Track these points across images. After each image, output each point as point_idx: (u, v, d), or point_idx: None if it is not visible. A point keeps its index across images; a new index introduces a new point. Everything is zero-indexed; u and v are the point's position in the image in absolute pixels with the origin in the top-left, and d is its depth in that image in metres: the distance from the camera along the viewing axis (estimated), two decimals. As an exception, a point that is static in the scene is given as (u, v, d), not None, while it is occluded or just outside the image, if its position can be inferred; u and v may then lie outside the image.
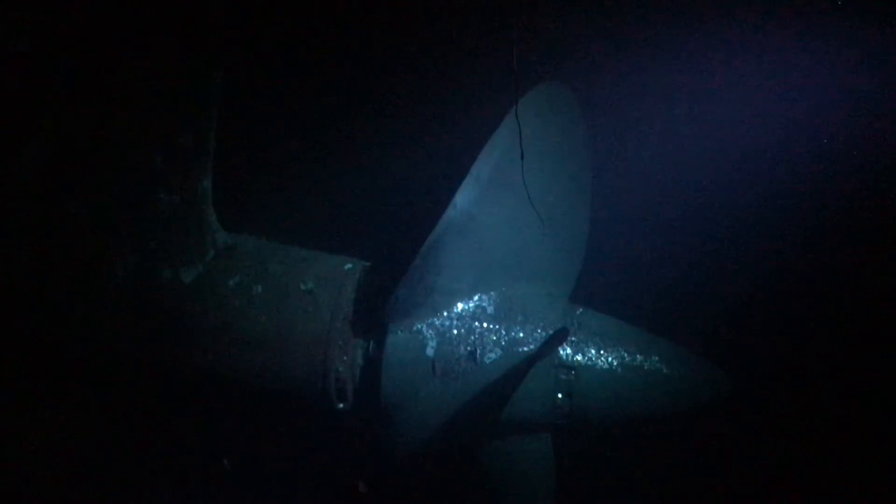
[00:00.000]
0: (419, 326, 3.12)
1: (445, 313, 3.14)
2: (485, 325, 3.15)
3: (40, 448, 3.49)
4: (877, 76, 3.89)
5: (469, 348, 3.11)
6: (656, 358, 3.17)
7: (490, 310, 3.18)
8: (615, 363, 3.14)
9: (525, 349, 3.11)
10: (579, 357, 3.14)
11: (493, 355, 3.10)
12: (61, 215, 3.20)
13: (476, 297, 3.18)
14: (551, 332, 3.09)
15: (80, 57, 3.15)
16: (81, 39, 3.13)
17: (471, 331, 3.13)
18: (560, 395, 3.12)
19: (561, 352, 3.12)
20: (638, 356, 3.16)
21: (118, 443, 3.56)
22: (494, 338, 3.13)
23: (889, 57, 3.86)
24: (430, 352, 3.10)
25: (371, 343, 3.17)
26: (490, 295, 3.20)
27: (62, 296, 3.25)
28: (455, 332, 3.13)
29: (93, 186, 3.21)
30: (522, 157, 2.92)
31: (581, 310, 3.28)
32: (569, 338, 3.11)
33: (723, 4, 3.96)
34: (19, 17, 3.10)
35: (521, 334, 3.14)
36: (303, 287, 3.24)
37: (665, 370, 3.16)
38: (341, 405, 3.20)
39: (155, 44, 3.16)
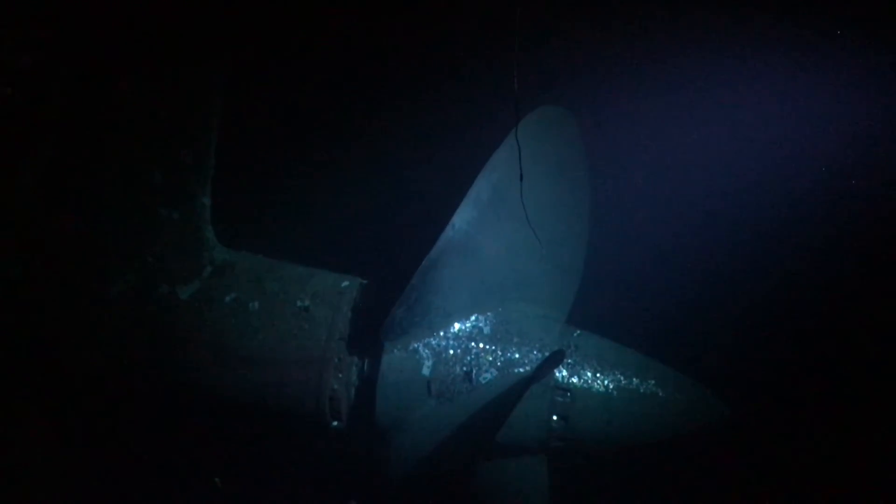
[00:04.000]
0: (415, 346, 3.11)
1: (442, 333, 3.14)
2: (481, 345, 3.14)
3: (31, 463, 3.47)
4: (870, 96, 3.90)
5: (465, 368, 3.10)
6: (652, 382, 3.16)
7: (487, 330, 3.17)
8: (611, 386, 3.13)
9: (521, 370, 3.10)
10: (575, 379, 3.13)
11: (488, 376, 3.10)
12: (60, 229, 3.20)
13: (473, 318, 3.18)
14: (547, 353, 3.08)
15: (82, 73, 3.17)
16: (84, 56, 3.16)
17: (467, 351, 3.13)
18: (555, 418, 3.11)
19: (557, 374, 3.11)
20: (634, 379, 3.15)
21: (110, 458, 3.54)
22: (490, 358, 3.12)
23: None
24: (425, 371, 3.09)
25: (367, 361, 3.16)
26: (487, 315, 3.19)
27: (59, 309, 3.25)
28: (451, 352, 3.12)
29: (92, 201, 3.23)
30: (522, 179, 2.93)
31: (578, 332, 3.27)
32: (565, 360, 3.10)
33: (723, 26, 3.97)
34: (23, 33, 3.12)
35: (517, 355, 3.13)
36: (299, 304, 3.23)
37: (661, 394, 3.16)
38: (335, 423, 3.18)
39: (157, 61, 3.18)
